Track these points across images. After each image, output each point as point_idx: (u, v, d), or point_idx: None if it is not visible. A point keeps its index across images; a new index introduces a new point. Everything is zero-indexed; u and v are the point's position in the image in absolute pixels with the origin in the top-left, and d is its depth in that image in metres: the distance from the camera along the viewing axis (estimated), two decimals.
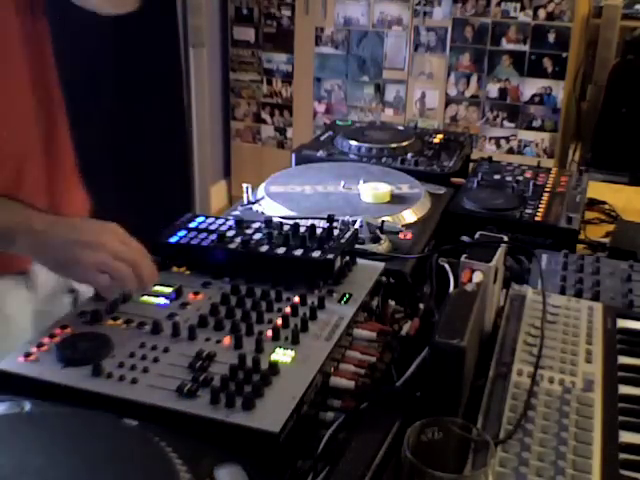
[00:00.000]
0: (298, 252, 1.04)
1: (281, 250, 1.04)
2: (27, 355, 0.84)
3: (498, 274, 1.03)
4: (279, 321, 0.92)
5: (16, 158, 1.12)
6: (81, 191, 1.36)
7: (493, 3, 3.56)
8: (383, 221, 1.24)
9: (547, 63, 3.57)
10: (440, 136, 1.77)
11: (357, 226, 1.19)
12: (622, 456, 0.79)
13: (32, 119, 1.14)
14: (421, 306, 1.06)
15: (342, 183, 1.41)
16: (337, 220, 1.18)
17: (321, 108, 4.01)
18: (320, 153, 1.62)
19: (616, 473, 0.77)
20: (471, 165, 1.72)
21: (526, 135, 3.70)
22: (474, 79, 3.71)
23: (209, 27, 3.90)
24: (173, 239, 1.09)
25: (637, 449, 0.80)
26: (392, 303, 1.07)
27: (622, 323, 1.03)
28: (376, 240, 1.18)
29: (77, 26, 1.59)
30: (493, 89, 3.70)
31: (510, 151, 3.74)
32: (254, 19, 4.00)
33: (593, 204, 1.62)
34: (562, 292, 1.12)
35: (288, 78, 4.04)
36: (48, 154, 1.19)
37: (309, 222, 1.12)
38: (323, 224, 1.14)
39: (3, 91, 1.06)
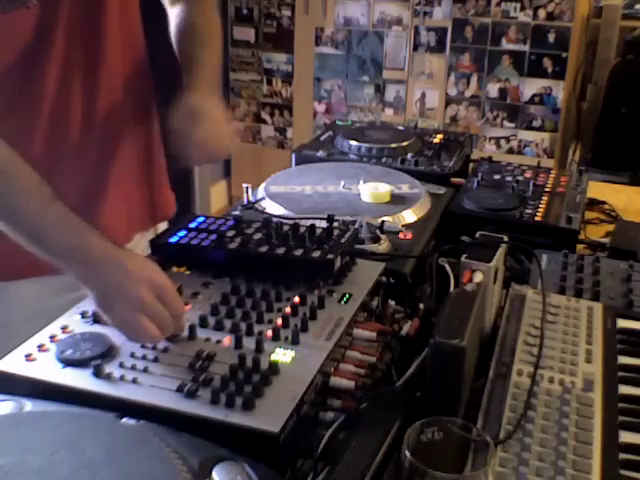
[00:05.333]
0: (298, 252, 1.04)
1: (281, 250, 1.04)
2: (27, 355, 0.84)
3: (498, 274, 1.03)
4: (279, 321, 0.92)
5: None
6: (169, 190, 1.42)
7: (493, 3, 3.56)
8: (383, 221, 1.24)
9: (547, 63, 3.57)
10: (440, 136, 1.76)
11: (357, 226, 1.19)
12: (622, 456, 0.79)
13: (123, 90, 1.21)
14: (421, 306, 1.06)
15: (342, 183, 1.41)
16: (337, 220, 1.18)
17: (321, 108, 4.02)
18: (320, 153, 1.62)
19: (616, 473, 0.77)
20: (471, 165, 1.72)
21: (526, 135, 3.71)
22: (474, 79, 3.71)
23: None
24: (173, 239, 1.09)
25: (637, 449, 0.80)
26: (392, 303, 1.07)
27: (622, 323, 1.03)
28: (376, 240, 1.18)
29: None
30: (493, 89, 3.70)
31: (510, 151, 3.74)
32: (254, 19, 4.00)
33: (593, 204, 1.62)
34: (562, 292, 1.12)
35: (288, 78, 4.05)
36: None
37: (309, 222, 1.12)
38: (323, 224, 1.14)
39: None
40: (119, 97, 1.21)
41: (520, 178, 1.53)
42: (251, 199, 1.36)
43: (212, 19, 1.33)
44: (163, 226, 1.36)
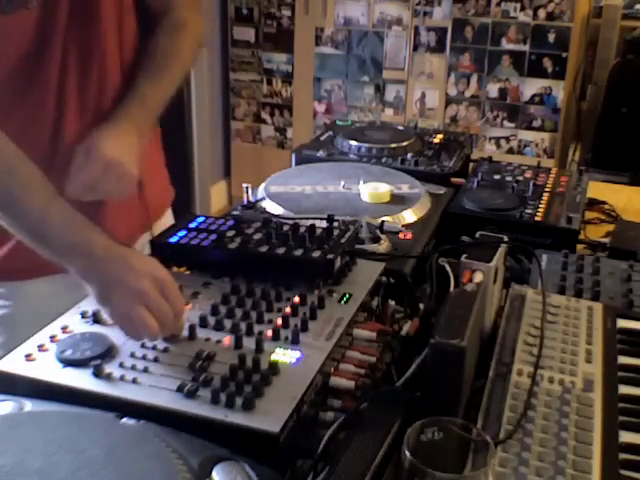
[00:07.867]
0: (298, 252, 1.04)
1: (281, 250, 1.04)
2: (27, 355, 0.84)
3: (498, 274, 1.03)
4: (279, 321, 0.92)
5: None
6: (165, 175, 1.41)
7: (493, 3, 3.56)
8: (383, 221, 1.24)
9: (547, 63, 3.57)
10: (440, 136, 1.76)
11: (357, 226, 1.19)
12: (622, 456, 0.79)
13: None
14: (421, 306, 1.06)
15: (342, 183, 1.41)
16: (337, 220, 1.18)
17: (321, 108, 4.02)
18: (320, 153, 1.62)
19: (616, 473, 0.77)
20: (471, 165, 1.72)
21: (526, 135, 3.71)
22: (474, 79, 3.71)
23: (209, 27, 3.91)
24: (173, 239, 1.09)
25: (637, 449, 0.80)
26: (392, 303, 1.07)
27: (622, 323, 1.03)
28: (376, 240, 1.18)
29: None
30: (493, 89, 3.70)
31: (510, 151, 3.74)
32: (254, 19, 4.00)
33: (593, 204, 1.62)
34: (562, 292, 1.12)
35: (288, 78, 4.05)
36: None
37: (309, 222, 1.12)
38: (323, 224, 1.14)
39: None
40: (115, 95, 1.20)
41: (520, 178, 1.53)
42: (251, 199, 1.36)
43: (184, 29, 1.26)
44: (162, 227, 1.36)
